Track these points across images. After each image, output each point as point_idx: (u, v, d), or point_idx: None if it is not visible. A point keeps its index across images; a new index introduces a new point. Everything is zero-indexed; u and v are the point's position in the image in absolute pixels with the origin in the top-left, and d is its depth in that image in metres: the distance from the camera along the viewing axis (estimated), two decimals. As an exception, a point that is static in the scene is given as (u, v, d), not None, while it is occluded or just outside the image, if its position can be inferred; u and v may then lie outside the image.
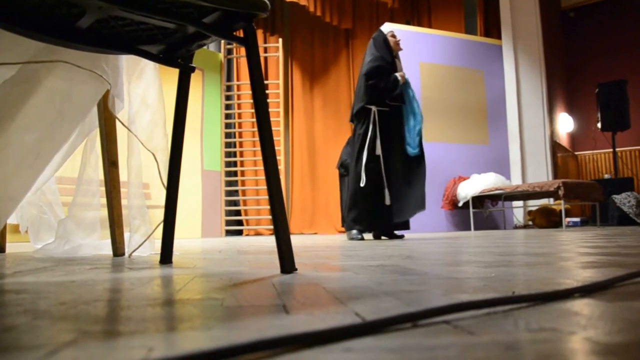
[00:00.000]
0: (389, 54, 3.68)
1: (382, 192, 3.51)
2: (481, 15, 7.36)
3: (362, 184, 3.49)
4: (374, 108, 3.56)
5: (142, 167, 1.86)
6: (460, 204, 6.02)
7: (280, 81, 7.30)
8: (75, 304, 0.65)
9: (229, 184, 7.15)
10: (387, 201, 3.48)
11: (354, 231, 3.54)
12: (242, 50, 6.82)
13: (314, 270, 1.08)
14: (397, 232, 3.66)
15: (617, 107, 6.61)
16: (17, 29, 1.08)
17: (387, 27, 3.81)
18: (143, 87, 1.87)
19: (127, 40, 1.24)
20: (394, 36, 3.74)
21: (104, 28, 1.16)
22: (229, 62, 7.47)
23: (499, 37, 6.88)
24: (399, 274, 0.95)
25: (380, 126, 3.56)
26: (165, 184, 1.52)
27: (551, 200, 6.25)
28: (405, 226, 3.68)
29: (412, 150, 3.59)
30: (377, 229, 3.65)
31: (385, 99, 3.59)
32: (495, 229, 6.26)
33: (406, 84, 3.66)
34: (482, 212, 6.28)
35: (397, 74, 3.61)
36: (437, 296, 0.66)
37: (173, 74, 1.41)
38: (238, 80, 7.37)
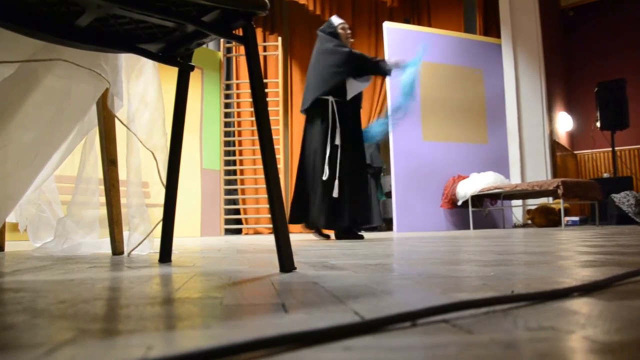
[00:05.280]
0: None
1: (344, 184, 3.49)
2: (480, 14, 7.36)
3: (324, 177, 3.45)
4: (331, 98, 3.58)
5: (142, 165, 1.85)
6: (459, 203, 6.03)
7: (280, 80, 7.29)
8: (74, 302, 0.65)
9: (228, 182, 7.15)
10: (335, 193, 3.43)
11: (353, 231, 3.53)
12: (242, 49, 6.81)
13: (313, 269, 1.08)
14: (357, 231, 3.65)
15: (617, 106, 6.61)
16: (16, 27, 1.08)
17: (337, 19, 3.81)
18: (142, 85, 1.87)
19: (127, 39, 1.24)
20: (344, 29, 3.76)
21: (103, 26, 1.16)
22: (229, 60, 7.46)
23: (498, 36, 6.88)
24: (397, 273, 0.95)
25: (339, 117, 3.59)
26: (165, 182, 1.52)
27: (550, 199, 6.26)
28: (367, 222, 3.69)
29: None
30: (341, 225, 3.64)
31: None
32: (494, 228, 6.26)
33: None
34: (482, 211, 6.28)
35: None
36: (436, 295, 0.66)
37: (172, 72, 1.40)
38: (237, 78, 7.36)
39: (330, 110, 3.56)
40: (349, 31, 3.78)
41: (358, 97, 3.73)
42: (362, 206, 3.55)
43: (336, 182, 3.44)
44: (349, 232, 3.54)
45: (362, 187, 3.58)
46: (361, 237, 3.47)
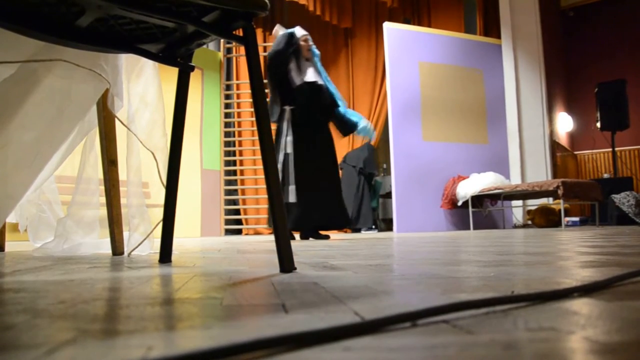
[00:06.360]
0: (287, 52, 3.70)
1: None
2: (481, 15, 7.36)
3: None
4: (287, 107, 3.68)
5: (142, 166, 1.85)
6: (459, 204, 6.03)
7: (280, 80, 7.28)
8: (74, 302, 0.65)
9: (228, 183, 7.15)
10: (292, 198, 3.48)
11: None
12: (242, 49, 6.81)
13: (313, 270, 1.08)
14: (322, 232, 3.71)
15: (617, 107, 6.61)
16: (17, 27, 1.08)
17: (300, 31, 3.77)
18: (142, 85, 1.87)
19: (127, 39, 1.24)
20: (306, 41, 3.73)
21: (103, 27, 1.16)
22: (229, 61, 7.46)
23: (498, 36, 6.88)
24: (397, 273, 0.95)
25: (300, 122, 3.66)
26: (165, 182, 1.52)
27: (550, 200, 6.25)
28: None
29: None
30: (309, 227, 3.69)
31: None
32: (494, 229, 6.26)
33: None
34: (482, 211, 6.28)
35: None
36: (436, 295, 0.66)
37: (172, 72, 1.40)
38: (237, 79, 7.36)
39: (285, 119, 3.65)
40: (310, 43, 3.76)
41: (319, 99, 3.72)
42: (329, 208, 3.63)
43: (292, 187, 3.50)
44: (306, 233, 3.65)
45: (326, 189, 3.65)
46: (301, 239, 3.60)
